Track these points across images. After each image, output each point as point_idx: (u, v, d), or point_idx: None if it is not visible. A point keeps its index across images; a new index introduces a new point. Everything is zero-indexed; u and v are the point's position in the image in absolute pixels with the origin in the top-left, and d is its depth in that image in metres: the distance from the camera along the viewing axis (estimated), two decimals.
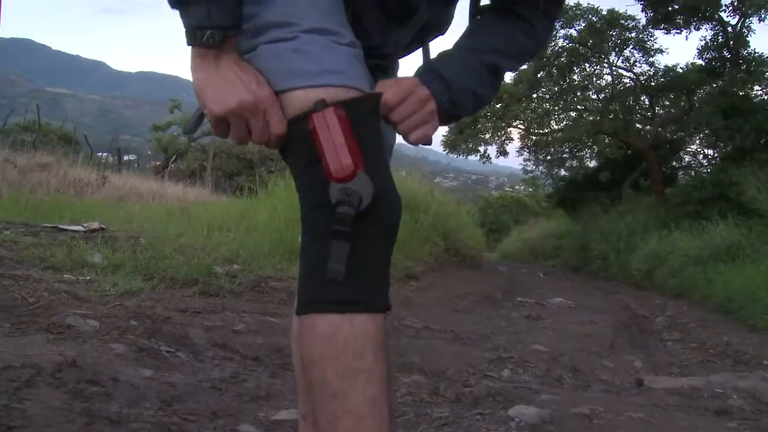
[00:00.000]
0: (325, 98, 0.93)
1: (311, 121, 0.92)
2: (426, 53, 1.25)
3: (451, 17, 1.29)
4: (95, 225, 4.94)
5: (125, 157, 23.31)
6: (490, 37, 1.18)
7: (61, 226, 4.82)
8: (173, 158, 29.67)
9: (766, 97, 15.64)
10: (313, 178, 0.95)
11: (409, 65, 1.27)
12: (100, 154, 20.12)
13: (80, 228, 4.79)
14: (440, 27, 1.26)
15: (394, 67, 1.30)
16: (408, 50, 1.26)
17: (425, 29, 1.21)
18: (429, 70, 1.14)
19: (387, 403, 0.93)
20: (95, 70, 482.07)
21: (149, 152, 34.23)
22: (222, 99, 0.97)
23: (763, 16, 14.97)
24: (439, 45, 1.26)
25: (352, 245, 0.91)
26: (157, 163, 28.81)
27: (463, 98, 1.14)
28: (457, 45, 1.19)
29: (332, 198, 0.90)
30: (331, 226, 0.90)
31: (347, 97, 0.97)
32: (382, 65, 1.20)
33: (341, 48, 1.02)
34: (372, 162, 0.94)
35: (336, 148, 0.90)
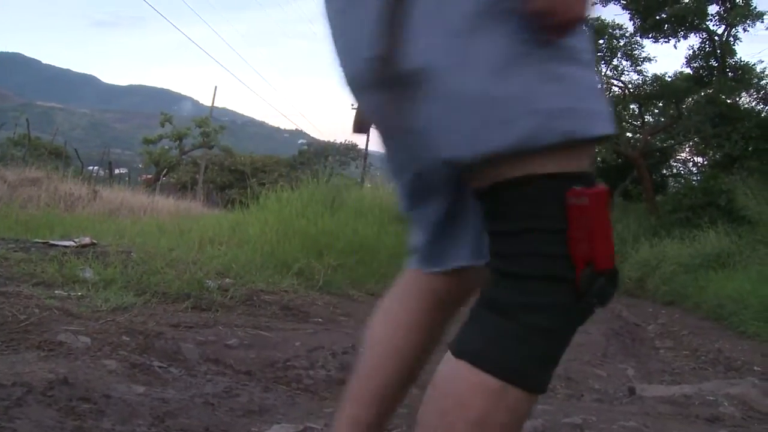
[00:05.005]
0: (591, 171, 0.84)
1: (584, 194, 0.82)
2: None
3: None
4: (86, 240, 4.92)
5: (116, 171, 23.25)
6: None
7: (52, 242, 4.80)
8: (164, 171, 29.62)
9: (753, 104, 15.79)
10: (554, 248, 0.84)
11: None
12: (90, 168, 20.09)
13: (71, 243, 4.78)
14: None
15: None
16: None
17: None
18: None
19: None
20: (86, 83, 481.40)
21: (140, 166, 34.21)
22: None
23: (748, 25, 15.12)
24: None
25: None
26: (149, 176, 28.77)
27: None
28: None
29: (582, 284, 0.83)
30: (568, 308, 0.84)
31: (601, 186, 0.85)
32: None
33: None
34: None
35: (604, 234, 0.83)
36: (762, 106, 15.52)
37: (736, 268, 8.40)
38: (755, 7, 14.82)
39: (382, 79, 0.85)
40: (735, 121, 13.89)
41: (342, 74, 0.95)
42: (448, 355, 0.90)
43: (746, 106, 15.62)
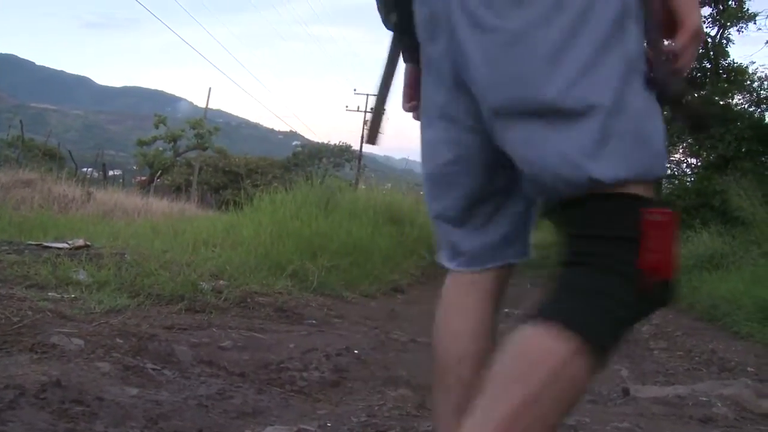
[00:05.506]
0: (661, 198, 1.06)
1: (659, 213, 1.00)
2: None
3: None
4: (80, 242, 4.90)
5: (110, 173, 23.20)
6: None
7: (46, 244, 4.79)
8: (158, 173, 29.56)
9: (746, 106, 15.85)
10: (627, 254, 0.99)
11: None
12: (84, 169, 20.03)
13: (65, 245, 4.76)
14: None
15: None
16: None
17: None
18: None
19: None
20: (79, 85, 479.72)
21: (134, 167, 34.11)
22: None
23: (741, 27, 15.19)
24: None
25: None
26: (143, 178, 28.70)
27: None
28: None
29: (644, 287, 0.99)
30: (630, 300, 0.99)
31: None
32: None
33: None
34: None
35: (671, 247, 1.00)
36: (755, 107, 15.59)
37: (729, 269, 8.41)
38: (747, 9, 14.91)
39: (544, 110, 1.01)
40: (728, 123, 13.94)
41: (480, 98, 1.07)
42: (529, 324, 1.01)
43: (739, 107, 15.69)
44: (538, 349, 0.97)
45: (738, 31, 15.44)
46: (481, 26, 1.04)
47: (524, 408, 0.95)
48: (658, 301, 1.02)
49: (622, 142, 1.00)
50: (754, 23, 14.99)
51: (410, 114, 1.36)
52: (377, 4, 1.28)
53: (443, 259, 1.32)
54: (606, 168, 0.99)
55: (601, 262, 1.00)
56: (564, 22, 0.99)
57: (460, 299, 1.29)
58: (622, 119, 1.00)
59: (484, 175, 1.19)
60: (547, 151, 1.02)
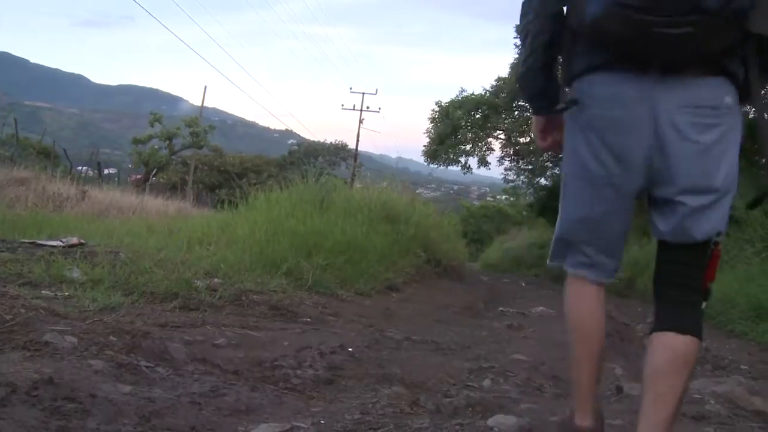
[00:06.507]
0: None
1: (718, 249, 1.73)
2: None
3: None
4: (74, 240, 4.90)
5: (105, 171, 23.14)
6: None
7: (39, 242, 4.78)
8: (154, 172, 29.51)
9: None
10: (702, 274, 1.75)
11: None
12: (79, 168, 19.99)
13: (59, 243, 4.76)
14: None
15: None
16: None
17: None
18: None
19: None
20: (75, 83, 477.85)
21: (130, 166, 34.05)
22: None
23: None
24: None
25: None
26: (138, 176, 28.64)
27: None
28: None
29: (708, 292, 1.76)
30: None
31: None
32: None
33: None
34: None
35: (717, 266, 1.74)
36: (749, 107, 15.62)
37: (723, 268, 8.42)
38: None
39: (710, 191, 1.69)
40: None
41: (670, 180, 1.70)
42: (679, 334, 1.73)
43: None
44: (691, 353, 1.72)
45: None
46: (686, 138, 1.65)
47: (684, 391, 1.71)
48: (709, 295, 1.75)
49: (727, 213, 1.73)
50: None
51: (545, 148, 2.01)
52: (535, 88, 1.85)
53: (574, 266, 1.92)
54: (723, 227, 1.71)
55: (695, 283, 1.75)
56: (724, 142, 1.69)
57: (593, 294, 1.90)
58: (731, 200, 1.72)
59: (624, 220, 1.84)
60: (703, 218, 1.68)
